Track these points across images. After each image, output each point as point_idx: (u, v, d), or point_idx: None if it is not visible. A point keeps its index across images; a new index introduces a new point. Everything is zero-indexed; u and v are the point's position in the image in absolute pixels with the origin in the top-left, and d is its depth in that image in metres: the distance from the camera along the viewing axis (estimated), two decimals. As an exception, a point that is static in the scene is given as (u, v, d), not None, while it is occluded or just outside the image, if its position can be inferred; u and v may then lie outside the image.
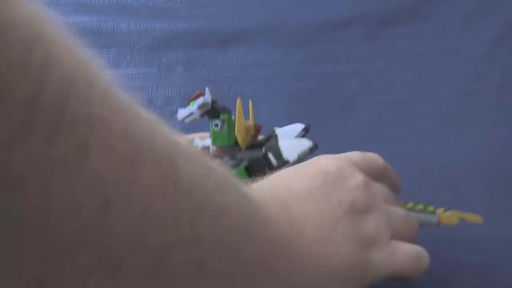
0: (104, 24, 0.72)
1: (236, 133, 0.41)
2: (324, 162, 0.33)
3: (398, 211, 0.34)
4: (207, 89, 0.42)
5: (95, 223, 0.17)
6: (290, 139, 0.42)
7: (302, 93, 0.65)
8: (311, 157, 0.40)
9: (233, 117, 0.43)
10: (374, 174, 0.34)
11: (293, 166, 0.35)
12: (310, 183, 0.31)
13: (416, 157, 0.59)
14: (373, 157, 0.36)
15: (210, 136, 0.43)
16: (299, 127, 0.44)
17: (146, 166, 0.19)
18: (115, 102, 0.18)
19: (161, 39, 0.71)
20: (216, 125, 0.42)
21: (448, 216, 0.40)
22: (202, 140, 0.45)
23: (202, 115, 0.43)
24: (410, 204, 0.40)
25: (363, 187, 0.32)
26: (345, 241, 0.30)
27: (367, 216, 0.31)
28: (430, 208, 0.40)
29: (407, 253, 0.31)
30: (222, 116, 0.42)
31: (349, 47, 0.68)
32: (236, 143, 0.42)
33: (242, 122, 0.41)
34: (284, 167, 0.39)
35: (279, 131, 0.44)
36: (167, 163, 0.20)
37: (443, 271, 0.43)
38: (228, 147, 0.43)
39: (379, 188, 0.34)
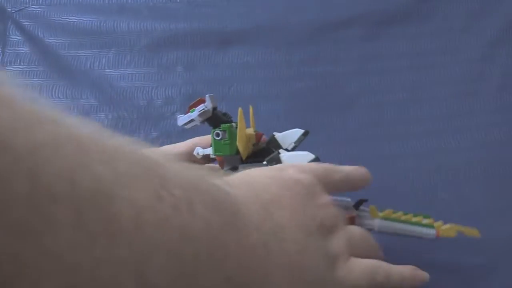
0: (104, 24, 0.72)
1: (237, 143, 0.41)
2: (296, 172, 0.33)
3: (356, 230, 0.35)
4: (207, 96, 0.42)
5: None
6: (291, 151, 0.42)
7: (302, 93, 0.65)
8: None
9: (233, 124, 0.43)
10: (328, 189, 0.35)
11: (263, 167, 0.35)
12: (287, 192, 0.31)
13: (416, 157, 0.59)
14: (332, 171, 0.36)
15: (211, 145, 0.43)
16: (298, 132, 0.44)
17: (65, 223, 0.15)
18: (17, 141, 0.14)
19: (161, 39, 0.71)
20: (218, 135, 0.42)
21: (446, 229, 0.41)
22: (204, 148, 0.45)
23: (203, 122, 0.43)
24: (409, 216, 0.40)
25: (330, 206, 0.33)
26: (317, 256, 0.30)
27: (332, 235, 0.32)
28: (429, 220, 0.41)
29: (363, 268, 0.33)
30: (223, 126, 0.42)
31: (349, 47, 0.68)
32: (238, 152, 0.42)
33: (244, 133, 0.41)
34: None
35: (278, 136, 0.44)
36: (99, 207, 0.16)
37: (443, 271, 0.43)
38: (229, 156, 0.42)
39: (338, 209, 0.35)
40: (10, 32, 0.72)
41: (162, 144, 0.51)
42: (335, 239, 0.32)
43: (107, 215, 0.17)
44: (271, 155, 0.42)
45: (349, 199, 0.41)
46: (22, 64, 0.70)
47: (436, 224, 0.41)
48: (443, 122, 0.62)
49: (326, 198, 0.33)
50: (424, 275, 0.36)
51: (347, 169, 0.38)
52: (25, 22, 0.73)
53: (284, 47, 0.68)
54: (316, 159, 0.41)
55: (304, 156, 0.41)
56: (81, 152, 0.17)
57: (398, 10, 0.69)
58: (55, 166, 0.15)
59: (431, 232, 0.40)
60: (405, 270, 0.35)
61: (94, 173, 0.17)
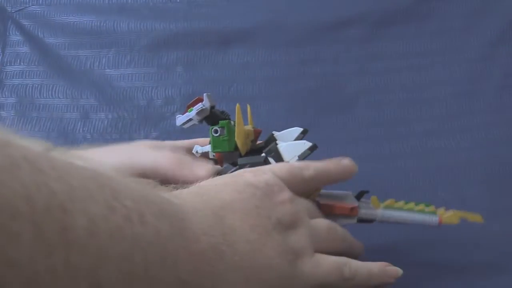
0: (104, 24, 0.72)
1: (236, 139, 0.41)
2: (252, 175, 0.34)
3: (321, 224, 0.35)
4: (205, 95, 0.42)
5: None
6: (288, 142, 0.42)
7: (302, 93, 0.65)
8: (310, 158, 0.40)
9: (232, 122, 0.43)
10: (299, 187, 0.35)
11: (220, 176, 0.35)
12: (240, 195, 0.32)
13: (416, 157, 0.59)
14: (298, 169, 0.36)
15: (210, 143, 0.43)
16: (297, 130, 0.44)
17: (25, 236, 0.17)
18: None
19: (161, 39, 0.71)
20: (216, 132, 0.42)
21: (449, 216, 0.41)
22: (202, 146, 0.45)
23: (201, 121, 0.43)
24: (411, 204, 0.41)
25: (289, 203, 0.33)
26: (275, 254, 0.31)
27: (292, 231, 0.32)
28: (431, 208, 0.41)
29: (330, 264, 0.33)
30: (221, 123, 0.42)
31: (349, 47, 0.68)
32: (236, 148, 0.42)
33: (242, 128, 0.41)
34: None
35: (277, 135, 0.44)
36: (54, 220, 0.18)
37: (443, 271, 0.43)
38: (228, 153, 0.43)
39: (303, 203, 0.35)
40: (10, 32, 0.72)
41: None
42: (296, 235, 0.32)
43: (63, 226, 0.18)
44: (269, 147, 0.42)
45: (348, 192, 0.41)
46: (22, 64, 0.70)
47: (438, 211, 0.41)
48: (443, 122, 0.62)
49: (285, 196, 0.33)
50: (396, 270, 0.36)
51: (320, 165, 0.38)
52: (25, 22, 0.73)
53: (284, 47, 0.68)
54: (313, 147, 0.41)
55: (302, 144, 0.41)
56: (36, 171, 0.18)
57: (398, 10, 0.69)
58: (13, 187, 0.17)
59: (434, 219, 0.40)
60: (374, 266, 0.36)
61: (49, 189, 0.18)
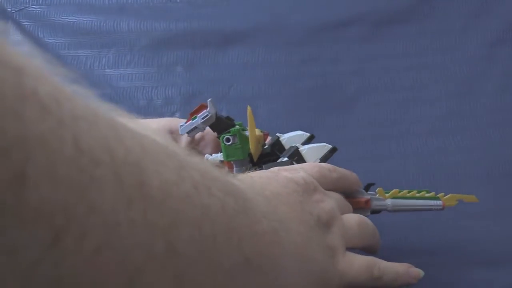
0: (104, 24, 0.72)
1: (250, 146, 0.41)
2: (288, 173, 0.34)
3: (352, 220, 0.36)
4: (209, 102, 0.42)
5: (42, 262, 0.15)
6: (308, 145, 0.43)
7: (302, 93, 0.65)
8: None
9: (236, 126, 0.42)
10: (328, 186, 0.36)
11: (260, 172, 0.36)
12: (283, 189, 0.32)
13: (416, 157, 0.59)
14: (327, 170, 0.37)
15: (221, 151, 0.42)
16: (304, 135, 0.44)
17: (107, 184, 0.16)
18: (62, 111, 0.16)
19: (161, 39, 0.71)
20: (228, 140, 0.41)
21: (447, 199, 0.42)
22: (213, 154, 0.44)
23: (204, 128, 0.43)
24: (414, 192, 0.42)
25: (324, 201, 0.34)
26: (319, 249, 0.32)
27: (328, 229, 0.33)
28: (432, 194, 0.43)
29: (361, 264, 0.34)
30: (232, 130, 0.41)
31: (349, 47, 0.68)
32: (249, 154, 0.41)
33: (255, 134, 0.41)
34: None
35: (283, 139, 0.44)
36: (133, 174, 0.18)
37: (443, 271, 0.43)
38: (240, 160, 0.42)
39: (335, 199, 0.36)
40: (10, 32, 0.72)
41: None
42: (331, 234, 0.33)
43: (140, 181, 0.18)
44: (292, 151, 0.42)
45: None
46: (22, 64, 0.70)
47: (439, 196, 0.43)
48: (443, 122, 0.62)
49: (320, 194, 0.34)
50: (418, 272, 0.37)
51: (342, 170, 0.39)
52: (25, 22, 0.73)
53: (284, 47, 0.68)
54: (334, 149, 0.42)
55: (323, 147, 0.42)
56: (113, 128, 0.18)
57: (398, 10, 0.69)
58: (94, 136, 0.17)
59: (438, 203, 0.42)
60: (400, 267, 0.36)
61: (125, 146, 0.18)
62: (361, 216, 0.37)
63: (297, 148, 0.42)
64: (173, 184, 0.20)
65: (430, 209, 0.42)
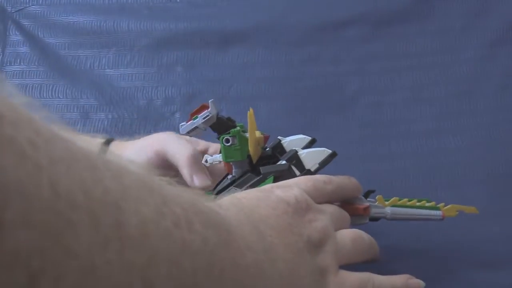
0: (104, 24, 0.72)
1: (249, 148, 0.40)
2: (281, 191, 0.34)
3: (346, 237, 0.35)
4: (210, 102, 0.42)
5: None
6: (308, 149, 0.42)
7: (302, 93, 0.65)
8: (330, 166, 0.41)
9: (237, 127, 0.42)
10: (322, 200, 0.36)
11: (249, 190, 0.35)
12: (274, 211, 0.32)
13: (416, 157, 0.59)
14: (322, 183, 0.37)
15: (220, 152, 0.42)
16: (305, 139, 0.44)
17: (83, 226, 0.16)
18: (39, 155, 0.16)
19: (161, 39, 0.71)
20: (227, 141, 0.41)
21: (448, 209, 0.42)
22: (212, 154, 0.44)
23: (205, 128, 0.43)
24: (414, 201, 0.41)
25: (317, 220, 0.33)
26: (305, 274, 0.31)
27: (320, 249, 0.32)
28: (432, 203, 0.42)
29: (353, 282, 0.33)
30: (232, 131, 0.41)
31: (349, 47, 0.68)
32: (248, 156, 0.41)
33: (255, 136, 0.41)
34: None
35: (285, 142, 0.44)
36: (110, 214, 0.18)
37: (443, 272, 0.43)
38: (239, 161, 0.42)
39: (329, 214, 0.35)
40: (10, 32, 0.72)
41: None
42: (322, 253, 0.32)
43: (117, 222, 0.18)
44: (290, 154, 0.42)
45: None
46: (22, 64, 0.70)
47: (440, 206, 0.42)
48: (443, 122, 0.62)
49: (313, 213, 0.33)
50: (418, 283, 0.36)
51: (339, 179, 0.38)
52: (25, 22, 0.73)
53: (284, 47, 0.68)
54: (333, 154, 0.41)
55: (322, 152, 0.41)
56: (91, 168, 0.18)
57: (398, 10, 0.69)
58: (71, 178, 0.17)
59: (438, 213, 0.42)
60: (398, 280, 0.35)
61: (104, 186, 0.18)
62: (356, 231, 0.36)
63: (296, 152, 0.42)
64: (152, 222, 0.20)
65: (430, 219, 0.42)
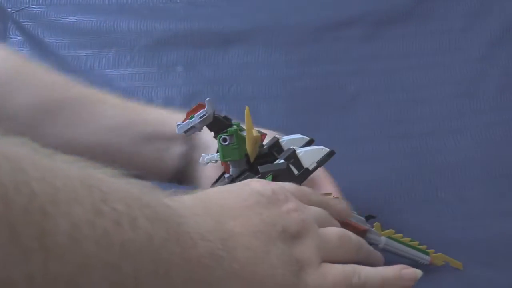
0: (104, 24, 0.72)
1: (247, 147, 0.40)
2: (258, 184, 0.33)
3: (332, 233, 0.34)
4: (207, 101, 0.42)
5: None
6: (306, 148, 0.42)
7: (302, 93, 0.65)
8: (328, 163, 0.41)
9: (234, 126, 0.42)
10: (307, 204, 0.35)
11: (226, 185, 0.35)
12: (244, 202, 0.31)
13: (416, 157, 0.59)
14: (307, 190, 0.36)
15: (217, 151, 0.42)
16: (303, 139, 0.44)
17: (0, 239, 0.16)
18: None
19: (161, 39, 0.71)
20: (225, 140, 0.41)
21: (436, 257, 0.43)
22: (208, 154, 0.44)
23: (201, 128, 0.42)
24: (408, 239, 0.42)
25: (296, 211, 0.32)
26: (279, 264, 0.30)
27: (298, 241, 0.32)
28: (424, 247, 0.43)
29: (336, 274, 0.32)
30: (229, 131, 0.41)
31: (349, 47, 0.68)
32: (245, 155, 0.41)
33: (252, 135, 0.41)
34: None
35: (282, 140, 0.44)
36: (32, 223, 0.17)
37: (443, 271, 0.43)
38: (237, 160, 0.42)
39: (313, 211, 0.34)
40: (10, 32, 0.72)
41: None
42: (301, 246, 0.31)
43: (41, 230, 0.17)
44: (288, 153, 0.42)
45: (361, 217, 0.42)
46: (22, 64, 0.70)
47: (430, 251, 0.43)
48: (443, 122, 0.62)
49: (291, 204, 0.33)
50: (414, 273, 0.34)
51: (327, 197, 0.38)
52: (25, 22, 0.73)
53: (284, 47, 0.68)
54: (331, 153, 0.41)
55: (320, 150, 0.41)
56: (17, 171, 0.17)
57: (398, 10, 0.69)
58: None
59: (427, 258, 0.42)
60: (389, 271, 0.34)
61: (30, 190, 0.17)
62: (344, 230, 0.35)
63: (294, 151, 0.42)
64: (85, 224, 0.19)
65: (417, 261, 0.42)
